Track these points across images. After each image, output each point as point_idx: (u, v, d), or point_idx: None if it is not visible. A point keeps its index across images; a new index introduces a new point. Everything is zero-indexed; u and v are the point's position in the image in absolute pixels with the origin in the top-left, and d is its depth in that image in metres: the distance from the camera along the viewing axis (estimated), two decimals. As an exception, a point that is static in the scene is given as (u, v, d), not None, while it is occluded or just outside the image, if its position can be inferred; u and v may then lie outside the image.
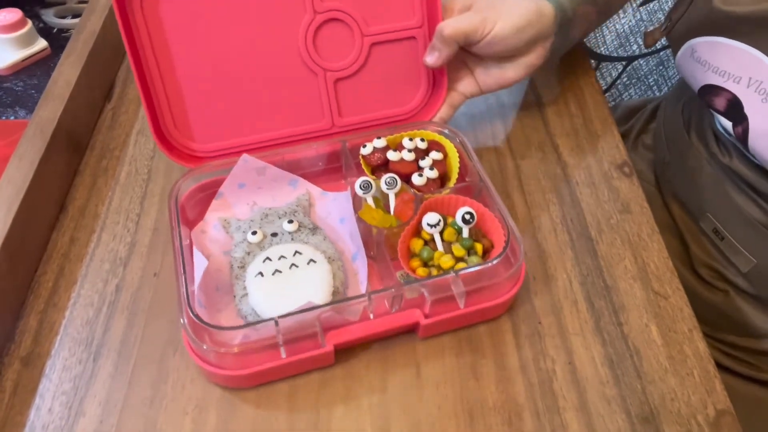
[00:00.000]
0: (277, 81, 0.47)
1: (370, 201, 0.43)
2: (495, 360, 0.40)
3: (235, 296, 0.41)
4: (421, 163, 0.46)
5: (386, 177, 0.43)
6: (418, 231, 0.43)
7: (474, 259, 0.41)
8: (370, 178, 0.44)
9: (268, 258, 0.41)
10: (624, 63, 1.09)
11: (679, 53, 0.54)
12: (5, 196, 0.43)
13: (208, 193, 0.46)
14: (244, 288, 0.40)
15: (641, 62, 1.11)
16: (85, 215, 0.48)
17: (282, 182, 0.47)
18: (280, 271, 0.40)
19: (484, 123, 0.55)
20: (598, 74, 1.10)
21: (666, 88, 1.11)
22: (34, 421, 0.37)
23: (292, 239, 0.43)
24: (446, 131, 0.48)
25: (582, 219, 0.48)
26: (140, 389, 0.38)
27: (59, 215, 0.48)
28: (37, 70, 0.69)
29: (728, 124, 0.50)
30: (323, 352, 0.38)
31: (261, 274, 0.40)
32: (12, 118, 0.62)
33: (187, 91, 0.45)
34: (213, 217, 0.45)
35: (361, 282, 0.42)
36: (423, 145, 0.47)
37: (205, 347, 0.36)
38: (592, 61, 1.06)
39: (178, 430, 0.37)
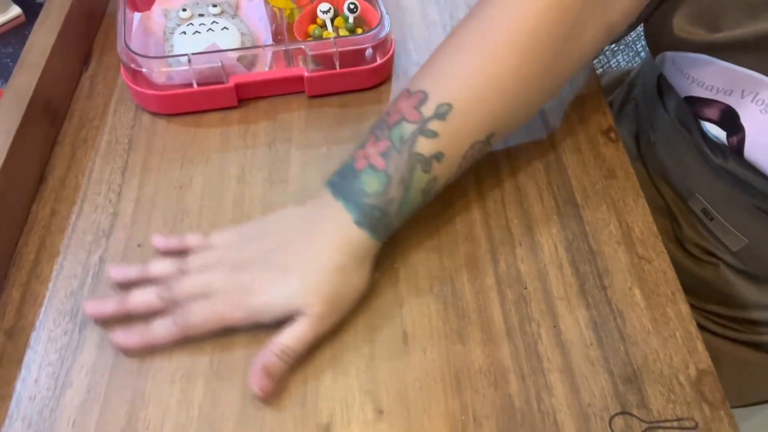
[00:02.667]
0: None
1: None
2: (481, 325, 0.40)
3: (164, 53, 0.52)
4: None
5: None
6: (314, 19, 0.54)
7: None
8: None
9: (191, 23, 0.54)
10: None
11: (657, 59, 0.49)
12: (-18, 168, 0.42)
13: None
14: (171, 45, 0.53)
15: (629, 28, 1.09)
16: (66, 186, 0.47)
17: None
18: (199, 32, 0.53)
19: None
20: (586, 41, 1.08)
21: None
22: (20, 393, 0.37)
23: (215, 21, 0.55)
24: None
25: (568, 185, 0.48)
26: (127, 359, 0.38)
27: (39, 187, 0.47)
28: (11, 38, 0.67)
29: (721, 134, 0.45)
30: (226, 87, 0.49)
31: (184, 33, 0.53)
32: (-13, 88, 0.60)
33: None
34: (158, 8, 0.57)
35: (266, 59, 0.53)
36: None
37: (133, 65, 0.48)
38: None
39: (167, 399, 0.37)
